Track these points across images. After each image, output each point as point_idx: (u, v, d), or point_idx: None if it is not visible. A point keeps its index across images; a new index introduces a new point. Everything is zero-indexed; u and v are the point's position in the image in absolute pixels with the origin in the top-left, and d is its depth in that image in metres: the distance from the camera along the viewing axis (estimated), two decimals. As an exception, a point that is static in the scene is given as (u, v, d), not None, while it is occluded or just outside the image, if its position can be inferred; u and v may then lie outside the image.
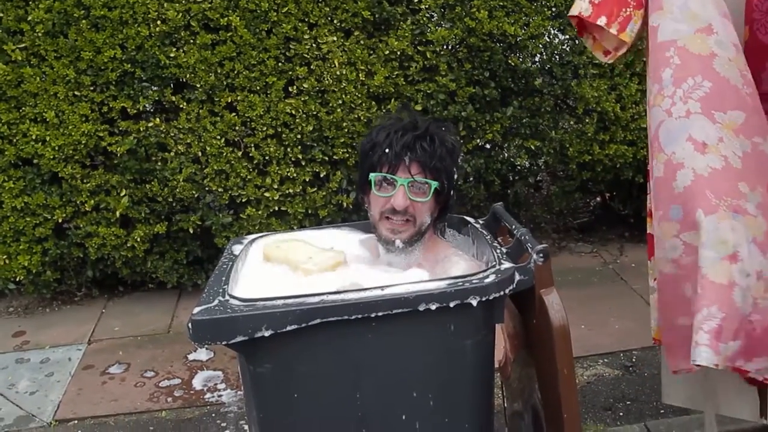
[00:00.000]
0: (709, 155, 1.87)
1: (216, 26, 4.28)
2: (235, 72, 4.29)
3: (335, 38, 4.36)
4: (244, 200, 4.44)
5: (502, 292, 1.56)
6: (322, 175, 4.53)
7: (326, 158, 4.48)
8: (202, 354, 3.97)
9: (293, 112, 4.36)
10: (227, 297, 1.54)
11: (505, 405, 2.24)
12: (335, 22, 4.37)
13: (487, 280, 1.54)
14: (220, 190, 4.40)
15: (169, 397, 3.59)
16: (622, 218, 5.44)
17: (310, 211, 4.52)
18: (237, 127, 4.34)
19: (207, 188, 4.40)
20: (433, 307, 1.49)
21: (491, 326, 1.64)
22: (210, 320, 1.44)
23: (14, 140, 4.26)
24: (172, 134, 4.34)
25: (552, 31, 4.85)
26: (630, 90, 4.82)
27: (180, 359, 3.96)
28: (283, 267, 1.83)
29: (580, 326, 3.89)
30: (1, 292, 4.73)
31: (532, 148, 4.81)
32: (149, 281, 4.83)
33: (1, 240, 4.37)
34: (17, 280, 4.47)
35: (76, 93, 4.24)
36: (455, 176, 1.89)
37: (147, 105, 4.39)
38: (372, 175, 1.83)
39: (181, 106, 4.32)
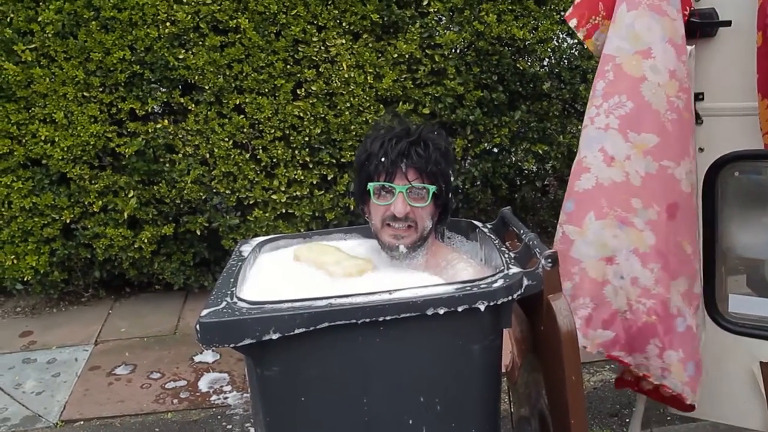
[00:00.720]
0: (614, 169, 2.07)
1: (225, 28, 4.29)
2: (244, 74, 4.30)
3: (344, 41, 4.37)
4: (251, 202, 4.45)
5: (510, 297, 1.55)
6: (329, 178, 4.53)
7: (334, 161, 4.48)
8: (208, 356, 3.98)
9: (301, 114, 4.36)
10: (235, 299, 1.53)
11: (512, 410, 2.23)
12: (344, 24, 4.37)
13: (495, 285, 1.54)
14: (227, 192, 4.41)
15: (175, 399, 3.60)
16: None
17: (317, 214, 4.53)
18: (245, 129, 4.35)
19: (214, 190, 4.41)
20: (441, 312, 1.49)
21: (499, 331, 1.63)
22: (218, 323, 1.44)
23: (23, 141, 4.28)
24: (181, 136, 4.35)
25: (560, 36, 4.85)
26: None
27: (186, 361, 3.96)
28: (311, 268, 1.86)
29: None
30: (9, 292, 4.74)
31: (540, 152, 4.80)
32: (156, 282, 4.84)
33: (10, 240, 4.38)
34: (25, 280, 4.48)
35: (85, 94, 4.25)
36: (452, 179, 1.91)
37: (155, 106, 4.41)
38: (370, 185, 1.84)
39: (189, 107, 4.33)
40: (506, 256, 1.74)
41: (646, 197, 2.04)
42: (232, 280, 1.70)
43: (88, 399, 3.64)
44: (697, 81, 2.18)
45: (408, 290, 1.53)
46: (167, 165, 4.38)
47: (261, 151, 4.40)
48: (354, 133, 4.42)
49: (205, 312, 1.48)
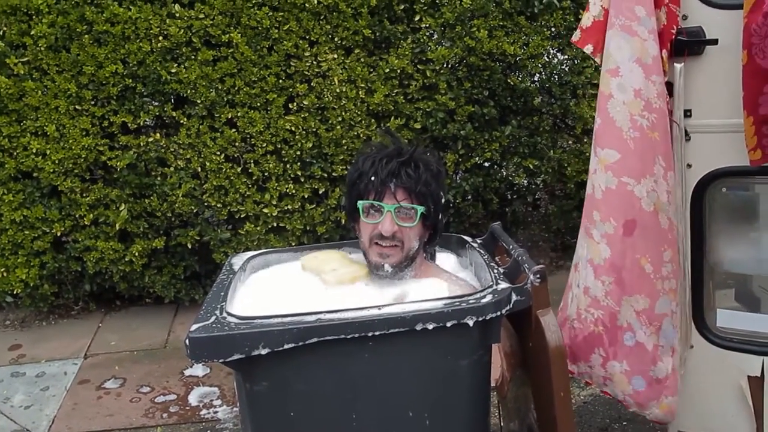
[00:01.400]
0: (588, 181, 2.21)
1: (217, 43, 4.30)
2: (236, 88, 4.31)
3: (336, 56, 4.39)
4: (242, 216, 4.45)
5: (498, 313, 1.57)
6: (321, 192, 4.54)
7: (325, 175, 4.49)
8: (198, 370, 3.96)
9: (293, 128, 4.37)
10: (224, 314, 1.54)
11: (502, 424, 2.24)
12: (336, 39, 4.39)
13: (483, 300, 1.55)
14: (219, 205, 4.41)
15: (165, 413, 3.58)
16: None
17: (308, 228, 4.53)
18: (237, 143, 4.36)
19: (206, 203, 4.41)
20: (430, 327, 1.50)
21: (488, 346, 1.65)
22: (207, 338, 1.45)
23: (14, 153, 4.27)
24: (172, 149, 4.36)
25: (551, 51, 4.88)
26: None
27: (176, 375, 3.95)
28: (314, 277, 1.90)
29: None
30: (-1, 305, 4.72)
31: (531, 167, 4.82)
32: (146, 296, 4.82)
33: (0, 253, 4.36)
34: (14, 293, 4.46)
35: (77, 107, 4.25)
36: (442, 200, 1.93)
37: (147, 120, 4.40)
38: (360, 203, 1.87)
39: (181, 121, 4.34)
40: (495, 271, 1.75)
41: (605, 211, 2.12)
42: (222, 294, 1.71)
43: (77, 413, 3.62)
44: (685, 98, 2.20)
45: (397, 305, 1.54)
46: (159, 178, 4.38)
47: (253, 164, 4.40)
48: (345, 147, 4.43)
49: (194, 327, 1.49)
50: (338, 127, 4.40)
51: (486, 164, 4.88)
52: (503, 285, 1.64)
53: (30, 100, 4.19)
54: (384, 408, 1.57)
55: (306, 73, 4.38)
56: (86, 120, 4.26)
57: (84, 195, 4.34)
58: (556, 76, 4.86)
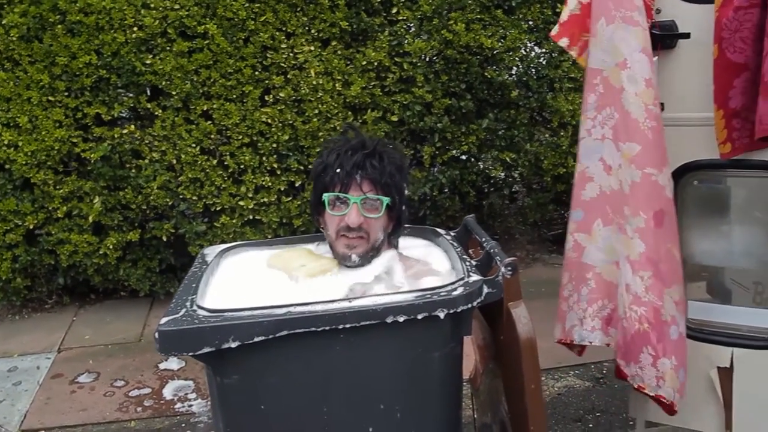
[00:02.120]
0: (612, 177, 2.18)
1: (193, 34, 4.26)
2: (212, 80, 4.28)
3: (312, 48, 4.37)
4: (218, 209, 4.43)
5: (470, 305, 1.56)
6: (297, 185, 4.53)
7: (301, 167, 4.48)
8: (173, 363, 3.94)
9: (269, 121, 4.35)
10: (194, 307, 1.53)
11: (475, 416, 2.24)
12: (313, 31, 4.38)
13: (455, 293, 1.55)
14: (194, 198, 4.38)
15: (139, 407, 3.56)
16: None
17: (284, 220, 4.51)
18: (212, 136, 4.33)
19: (181, 196, 4.38)
20: (401, 320, 1.49)
21: (459, 338, 1.65)
22: (177, 331, 1.43)
23: (-14, 145, 4.22)
24: (147, 141, 4.32)
25: (528, 45, 4.90)
26: (604, 104, 4.86)
27: (151, 368, 3.92)
28: (280, 273, 1.89)
29: (552, 337, 3.89)
30: (-30, 299, 4.66)
31: (508, 160, 4.84)
32: (121, 289, 4.79)
33: (-29, 246, 4.31)
34: (-14, 286, 4.41)
35: (50, 98, 4.20)
36: (405, 191, 1.95)
37: (122, 112, 4.37)
38: (325, 196, 1.88)
39: (156, 113, 4.30)
40: (467, 263, 1.75)
41: (634, 205, 2.09)
42: (193, 287, 1.69)
43: (49, 408, 3.59)
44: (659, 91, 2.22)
45: (368, 298, 1.53)
46: (133, 171, 4.34)
47: (228, 157, 4.38)
48: (322, 139, 4.42)
49: (164, 320, 1.47)
50: (315, 119, 4.39)
51: (463, 157, 4.90)
52: (475, 277, 1.64)
53: (1, 91, 4.14)
54: (355, 400, 1.56)
55: (282, 65, 4.36)
56: (59, 111, 4.21)
57: (57, 187, 4.29)
58: (533, 70, 4.88)
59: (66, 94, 4.23)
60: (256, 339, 1.44)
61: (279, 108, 4.37)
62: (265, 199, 4.44)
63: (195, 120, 4.33)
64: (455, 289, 1.56)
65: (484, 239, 1.91)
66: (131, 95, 4.32)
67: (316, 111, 4.39)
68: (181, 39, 4.25)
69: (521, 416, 1.67)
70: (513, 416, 1.80)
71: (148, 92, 4.41)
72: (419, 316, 1.50)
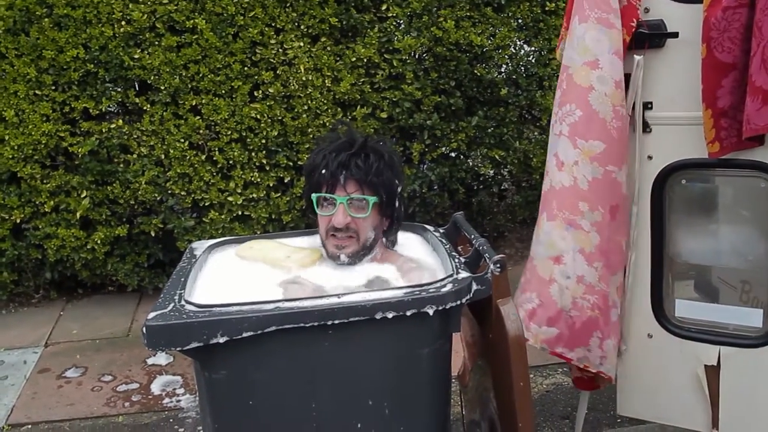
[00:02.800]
0: (563, 173, 2.21)
1: (181, 28, 4.24)
2: (200, 75, 4.26)
3: (302, 44, 4.36)
4: (207, 204, 4.41)
5: (458, 302, 1.57)
6: (286, 180, 4.52)
7: (291, 163, 4.47)
8: (161, 358, 3.93)
9: (258, 116, 4.34)
10: (183, 302, 1.53)
11: (464, 413, 2.25)
12: (302, 27, 4.36)
13: (444, 290, 1.55)
14: (183, 193, 4.36)
15: (127, 402, 3.55)
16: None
17: (273, 216, 4.50)
18: (201, 131, 4.31)
19: (170, 191, 4.36)
20: (390, 316, 1.50)
21: (448, 335, 1.65)
22: (164, 326, 1.43)
23: (-28, 139, 4.19)
24: (135, 136, 4.30)
25: (518, 43, 4.90)
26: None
27: (139, 363, 3.91)
28: (261, 265, 1.89)
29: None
30: (-43, 293, 4.63)
31: (497, 157, 4.84)
32: (109, 284, 4.77)
33: (-43, 240, 4.28)
34: (-27, 281, 4.38)
35: (37, 92, 4.18)
36: (398, 188, 1.95)
37: (110, 106, 4.34)
38: (314, 196, 1.91)
39: (144, 108, 4.28)
40: (456, 260, 1.75)
41: (593, 200, 2.17)
42: (181, 282, 1.69)
43: (36, 402, 3.57)
44: (646, 90, 2.22)
45: (357, 294, 1.54)
46: (121, 165, 4.32)
47: (217, 152, 4.36)
48: (311, 136, 4.41)
49: (151, 315, 1.47)
50: (304, 115, 4.38)
51: (452, 154, 4.90)
52: (464, 274, 1.64)
53: (-12, 84, 4.11)
54: (344, 396, 1.57)
55: (272, 60, 4.34)
56: (46, 105, 4.18)
57: (44, 181, 4.27)
58: (522, 68, 4.88)
59: (53, 88, 4.21)
60: (245, 334, 1.44)
61: (268, 104, 4.35)
62: (254, 195, 4.43)
63: (184, 115, 4.31)
64: (444, 286, 1.57)
65: (473, 236, 1.91)
66: (119, 90, 4.29)
67: (306, 107, 4.38)
68: (169, 34, 4.23)
69: (510, 413, 1.68)
70: (501, 413, 1.81)
71: (137, 87, 4.38)
72: (408, 313, 1.51)
